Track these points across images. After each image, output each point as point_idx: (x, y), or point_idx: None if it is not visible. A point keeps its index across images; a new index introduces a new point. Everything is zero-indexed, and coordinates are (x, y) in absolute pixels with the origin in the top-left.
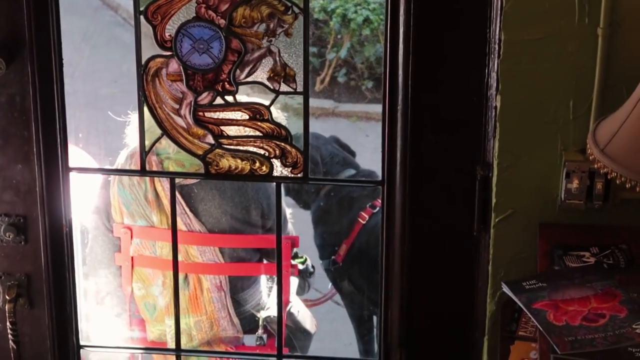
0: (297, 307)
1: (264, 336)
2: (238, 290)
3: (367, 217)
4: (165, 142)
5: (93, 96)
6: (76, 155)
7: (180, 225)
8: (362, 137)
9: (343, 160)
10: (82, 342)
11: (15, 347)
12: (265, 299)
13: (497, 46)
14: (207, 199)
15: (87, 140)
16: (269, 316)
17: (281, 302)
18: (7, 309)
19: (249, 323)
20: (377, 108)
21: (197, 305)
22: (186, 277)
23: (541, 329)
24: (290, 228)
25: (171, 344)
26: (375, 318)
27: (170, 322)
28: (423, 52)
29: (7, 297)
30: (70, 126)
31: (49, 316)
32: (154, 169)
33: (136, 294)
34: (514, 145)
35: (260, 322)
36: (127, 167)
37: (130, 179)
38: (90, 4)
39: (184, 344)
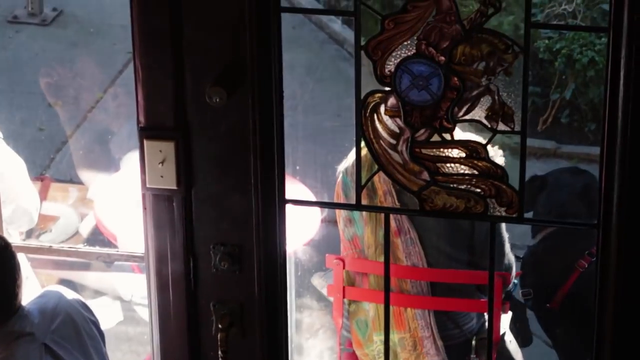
0: (510, 337)
1: None
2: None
3: (585, 264)
4: None
5: (316, 129)
6: (293, 187)
7: (399, 244)
8: None
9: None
10: None
11: None
12: (475, 325)
13: None
14: (433, 227)
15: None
16: (481, 340)
17: (491, 340)
18: (219, 338)
19: (457, 349)
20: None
21: (400, 321)
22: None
23: None
24: (509, 264)
25: None
26: None
27: (378, 337)
28: None
29: (219, 325)
30: (289, 158)
31: (260, 346)
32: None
33: (350, 311)
34: None
35: (473, 347)
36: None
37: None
38: (316, 38)
39: None
